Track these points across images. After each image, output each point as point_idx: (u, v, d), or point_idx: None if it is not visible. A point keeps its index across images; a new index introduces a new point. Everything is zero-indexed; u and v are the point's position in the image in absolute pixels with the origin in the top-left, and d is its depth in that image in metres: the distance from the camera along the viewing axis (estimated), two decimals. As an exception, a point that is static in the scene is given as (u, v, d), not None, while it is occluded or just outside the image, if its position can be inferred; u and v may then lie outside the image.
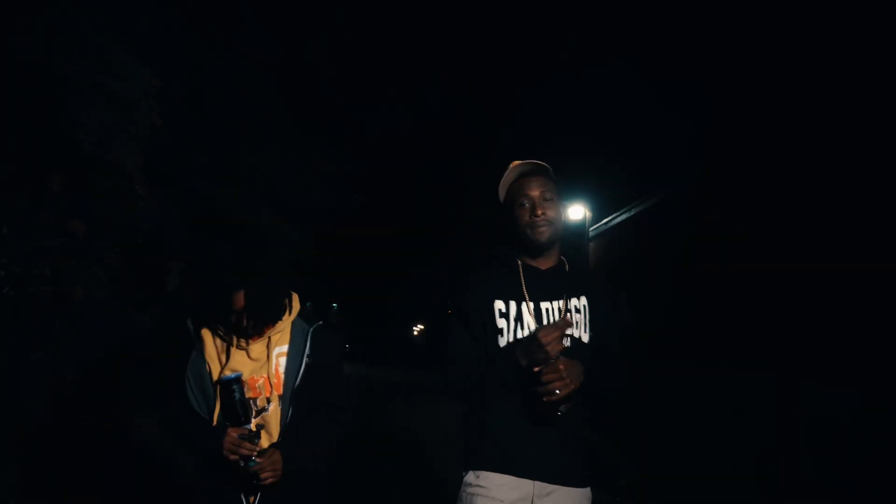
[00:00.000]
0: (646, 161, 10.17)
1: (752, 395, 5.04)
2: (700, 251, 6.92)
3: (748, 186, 6.12)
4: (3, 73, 3.57)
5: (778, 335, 5.27)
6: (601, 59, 13.11)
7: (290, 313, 1.85)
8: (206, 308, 1.80)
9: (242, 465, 1.65)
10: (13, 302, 3.44)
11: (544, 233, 1.77)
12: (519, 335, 1.75)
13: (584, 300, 1.83)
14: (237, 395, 1.68)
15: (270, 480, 1.67)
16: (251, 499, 1.71)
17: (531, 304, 1.77)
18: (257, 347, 1.78)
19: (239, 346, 1.76)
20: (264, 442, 1.72)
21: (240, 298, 1.71)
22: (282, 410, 1.76)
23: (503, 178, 1.84)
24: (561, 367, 1.57)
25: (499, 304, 1.78)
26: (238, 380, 1.69)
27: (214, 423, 1.70)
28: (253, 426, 1.71)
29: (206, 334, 1.77)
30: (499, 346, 1.76)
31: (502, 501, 1.67)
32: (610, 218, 10.12)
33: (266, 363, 1.77)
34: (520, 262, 1.83)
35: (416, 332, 36.85)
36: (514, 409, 1.70)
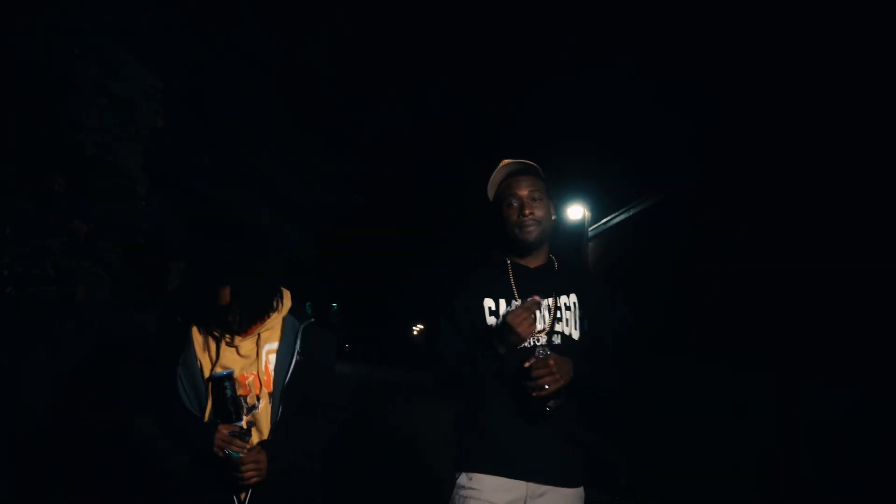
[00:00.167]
0: (645, 161, 10.19)
1: (752, 395, 5.03)
2: (700, 251, 6.91)
3: (748, 186, 6.13)
4: (4, 73, 3.57)
5: (778, 335, 5.27)
6: (601, 59, 13.14)
7: (280, 310, 1.83)
8: (193, 304, 1.80)
9: (226, 453, 1.63)
10: (15, 302, 3.44)
11: (532, 232, 1.79)
12: None
13: (573, 297, 1.84)
14: (229, 392, 1.67)
15: (255, 480, 1.66)
16: (242, 495, 1.70)
17: (520, 302, 1.78)
18: (247, 344, 1.77)
19: (227, 343, 1.75)
20: (255, 439, 1.72)
21: (226, 294, 1.70)
22: (272, 408, 1.75)
23: (492, 178, 1.85)
24: (551, 362, 1.59)
25: (488, 303, 1.79)
26: (230, 377, 1.68)
27: (206, 420, 1.70)
28: (244, 423, 1.71)
29: (196, 331, 1.77)
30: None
31: None
32: (609, 218, 10.12)
33: (256, 360, 1.76)
34: (509, 261, 1.84)
35: (415, 332, 36.82)
36: (505, 408, 1.71)
